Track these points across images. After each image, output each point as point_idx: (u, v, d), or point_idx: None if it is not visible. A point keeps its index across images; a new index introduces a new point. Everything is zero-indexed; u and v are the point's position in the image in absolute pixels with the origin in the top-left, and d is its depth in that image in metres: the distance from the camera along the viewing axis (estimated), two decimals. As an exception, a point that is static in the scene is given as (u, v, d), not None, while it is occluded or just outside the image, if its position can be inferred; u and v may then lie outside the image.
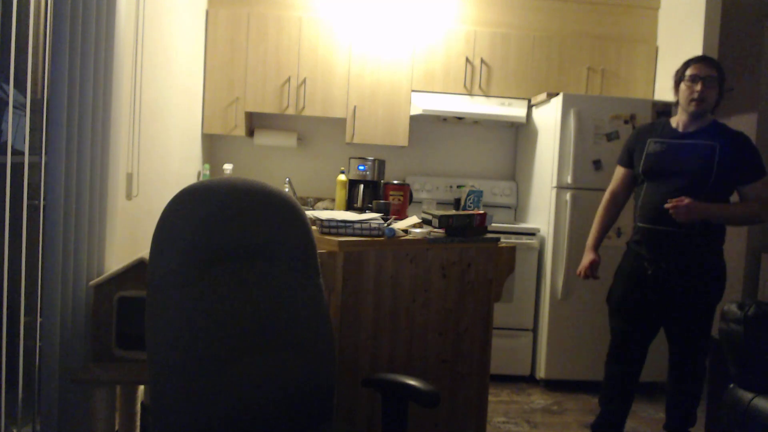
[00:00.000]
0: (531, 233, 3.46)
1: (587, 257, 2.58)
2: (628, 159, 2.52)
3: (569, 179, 3.28)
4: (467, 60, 3.70)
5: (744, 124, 4.27)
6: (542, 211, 3.51)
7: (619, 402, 2.51)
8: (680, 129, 2.38)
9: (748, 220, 2.33)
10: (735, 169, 2.28)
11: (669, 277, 2.35)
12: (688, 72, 2.35)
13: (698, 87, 2.30)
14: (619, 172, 2.57)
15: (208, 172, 3.69)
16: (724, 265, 2.37)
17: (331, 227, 2.02)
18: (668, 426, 2.51)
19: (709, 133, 2.33)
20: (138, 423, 2.09)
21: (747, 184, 2.30)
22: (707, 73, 2.30)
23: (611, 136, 3.30)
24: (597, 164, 3.30)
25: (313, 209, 3.49)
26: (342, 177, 3.29)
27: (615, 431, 2.53)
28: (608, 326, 2.57)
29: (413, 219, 2.40)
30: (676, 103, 2.44)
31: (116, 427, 2.03)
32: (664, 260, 2.35)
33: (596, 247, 2.58)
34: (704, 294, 2.35)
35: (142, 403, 2.13)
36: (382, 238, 2.02)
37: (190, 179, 3.40)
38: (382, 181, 3.42)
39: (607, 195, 2.60)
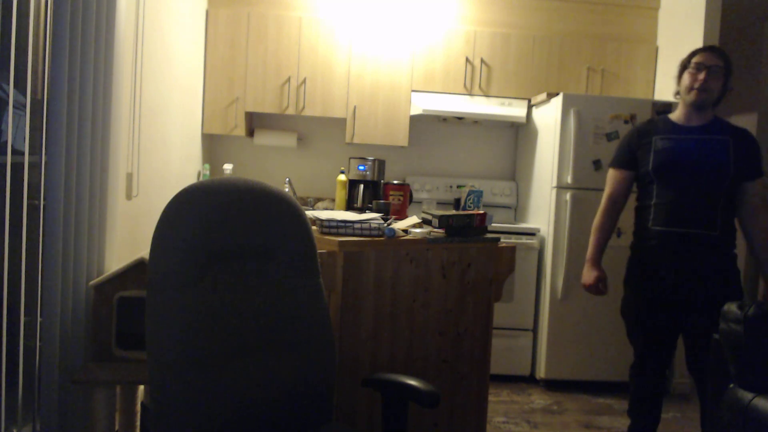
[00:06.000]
0: (531, 233, 3.46)
1: (593, 273, 2.37)
2: (629, 160, 2.32)
3: (569, 179, 3.27)
4: (467, 60, 3.70)
5: (744, 124, 4.27)
6: (542, 211, 3.51)
7: (648, 413, 2.34)
8: (684, 123, 2.22)
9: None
10: (746, 166, 2.14)
11: (688, 283, 2.17)
12: (694, 60, 2.18)
13: (701, 76, 2.15)
14: (618, 175, 2.35)
15: (208, 172, 3.69)
16: (738, 269, 2.20)
17: (331, 227, 2.02)
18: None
19: (716, 127, 2.18)
20: (138, 423, 2.09)
21: (750, 181, 2.15)
22: (714, 62, 2.15)
23: (611, 136, 3.30)
24: (597, 164, 3.30)
25: (313, 209, 3.48)
26: (342, 177, 3.29)
27: None
28: (624, 336, 2.39)
29: (413, 219, 2.40)
30: (676, 94, 2.28)
31: (116, 427, 2.03)
32: (686, 264, 2.17)
33: (600, 261, 2.37)
34: (722, 300, 2.02)
35: (142, 403, 2.13)
36: (382, 238, 2.02)
37: (190, 179, 3.40)
38: (382, 181, 3.42)
39: (605, 201, 2.37)
